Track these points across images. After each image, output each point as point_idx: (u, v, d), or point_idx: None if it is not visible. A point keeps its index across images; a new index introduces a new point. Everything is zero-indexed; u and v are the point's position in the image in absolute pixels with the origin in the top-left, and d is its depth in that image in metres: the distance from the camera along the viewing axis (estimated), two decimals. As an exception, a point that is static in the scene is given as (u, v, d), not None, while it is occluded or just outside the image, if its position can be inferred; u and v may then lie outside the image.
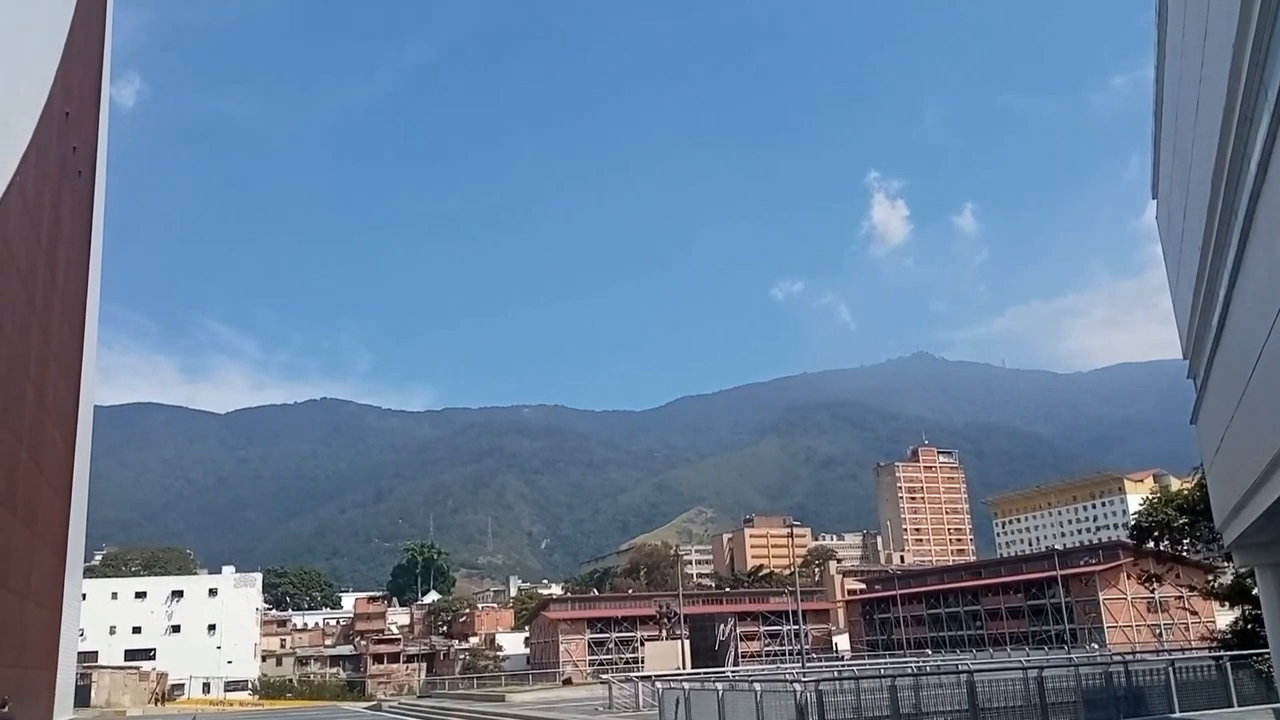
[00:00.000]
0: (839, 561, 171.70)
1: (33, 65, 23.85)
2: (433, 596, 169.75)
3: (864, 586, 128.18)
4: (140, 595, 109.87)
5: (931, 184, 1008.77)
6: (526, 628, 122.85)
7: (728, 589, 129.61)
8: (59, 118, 27.46)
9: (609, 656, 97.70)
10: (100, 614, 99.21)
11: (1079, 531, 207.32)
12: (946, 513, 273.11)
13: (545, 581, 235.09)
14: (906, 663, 56.38)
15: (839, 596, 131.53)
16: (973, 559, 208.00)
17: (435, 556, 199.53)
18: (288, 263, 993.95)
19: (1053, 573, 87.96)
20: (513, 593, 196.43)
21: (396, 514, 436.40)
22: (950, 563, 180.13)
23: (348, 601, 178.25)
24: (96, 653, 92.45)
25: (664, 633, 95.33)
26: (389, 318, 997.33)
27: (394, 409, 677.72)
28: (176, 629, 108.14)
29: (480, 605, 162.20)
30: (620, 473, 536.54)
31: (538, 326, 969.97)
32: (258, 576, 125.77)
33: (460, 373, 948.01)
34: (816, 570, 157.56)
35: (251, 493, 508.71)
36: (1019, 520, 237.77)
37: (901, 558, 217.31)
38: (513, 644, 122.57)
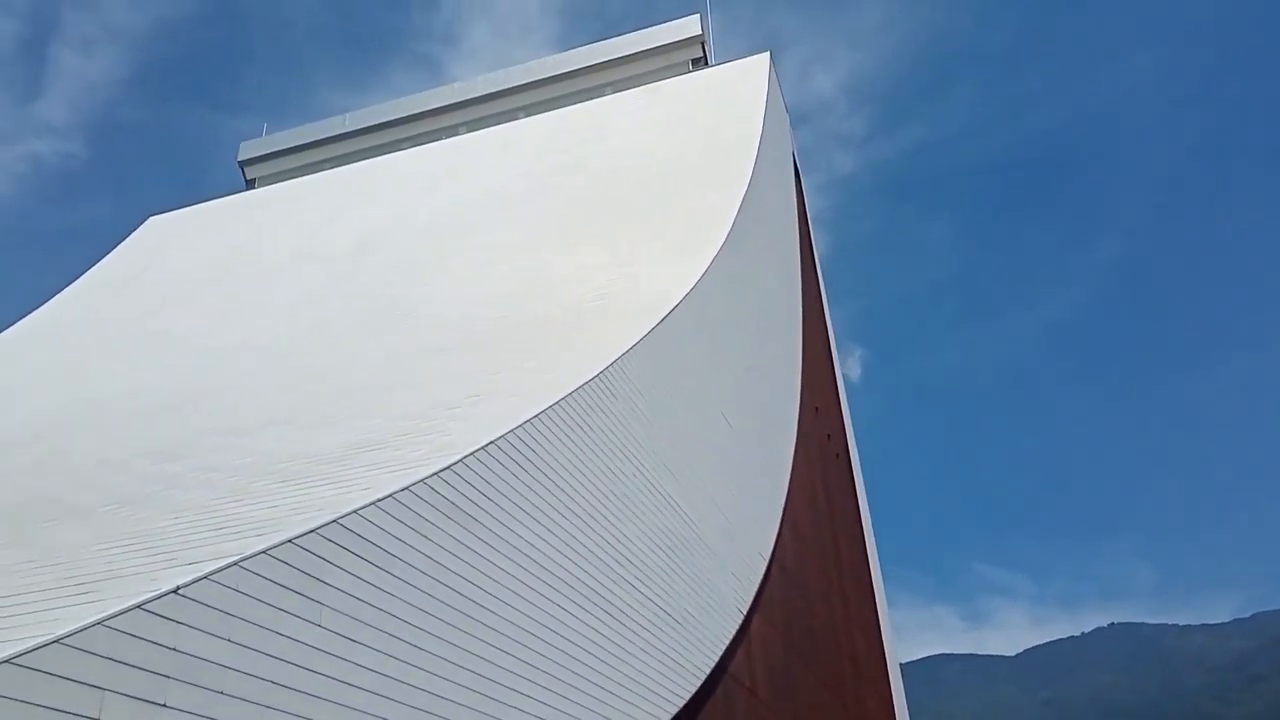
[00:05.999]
0: None
1: (786, 380, 28.01)
2: None
3: None
4: None
5: None
6: None
7: None
8: (811, 414, 31.49)
9: None
10: None
11: None
12: None
13: None
14: None
15: None
16: None
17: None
18: (1039, 489, 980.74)
19: None
20: None
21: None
22: None
23: None
24: None
25: None
26: (1162, 526, 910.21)
27: (1194, 624, 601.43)
28: None
29: None
30: None
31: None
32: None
33: (1265, 570, 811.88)
34: None
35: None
36: None
37: None
38: None
